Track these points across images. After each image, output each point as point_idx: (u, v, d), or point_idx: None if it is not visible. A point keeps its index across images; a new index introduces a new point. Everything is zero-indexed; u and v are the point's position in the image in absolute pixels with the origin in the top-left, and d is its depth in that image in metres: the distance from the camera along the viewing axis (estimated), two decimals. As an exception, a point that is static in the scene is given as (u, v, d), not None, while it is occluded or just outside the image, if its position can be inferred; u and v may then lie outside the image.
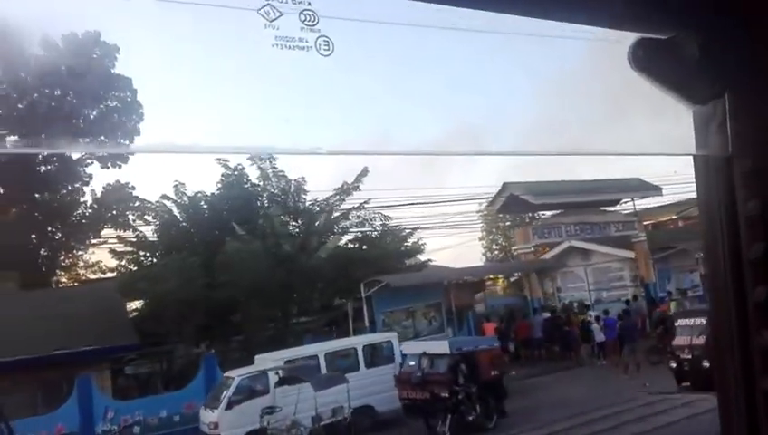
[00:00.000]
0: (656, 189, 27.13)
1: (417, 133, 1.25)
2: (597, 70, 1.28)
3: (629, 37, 1.15)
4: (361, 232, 27.06)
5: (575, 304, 28.93)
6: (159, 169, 56.21)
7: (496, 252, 40.32)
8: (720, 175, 1.17)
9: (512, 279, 29.86)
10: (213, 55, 1.07)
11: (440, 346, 14.23)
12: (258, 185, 25.62)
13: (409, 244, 26.68)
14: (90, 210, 29.15)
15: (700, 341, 13.87)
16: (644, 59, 1.14)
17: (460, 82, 1.25)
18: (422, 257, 26.99)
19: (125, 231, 27.02)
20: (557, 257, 33.13)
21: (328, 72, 1.00)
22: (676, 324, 16.04)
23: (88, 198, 29.37)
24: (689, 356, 14.20)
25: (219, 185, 24.91)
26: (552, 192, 24.53)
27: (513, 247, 24.80)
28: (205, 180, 44.31)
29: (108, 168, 28.91)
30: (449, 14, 1.02)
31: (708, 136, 1.18)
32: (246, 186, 25.27)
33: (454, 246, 58.12)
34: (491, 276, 29.06)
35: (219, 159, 24.58)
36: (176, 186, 24.27)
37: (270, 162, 25.24)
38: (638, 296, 26.22)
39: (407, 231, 26.08)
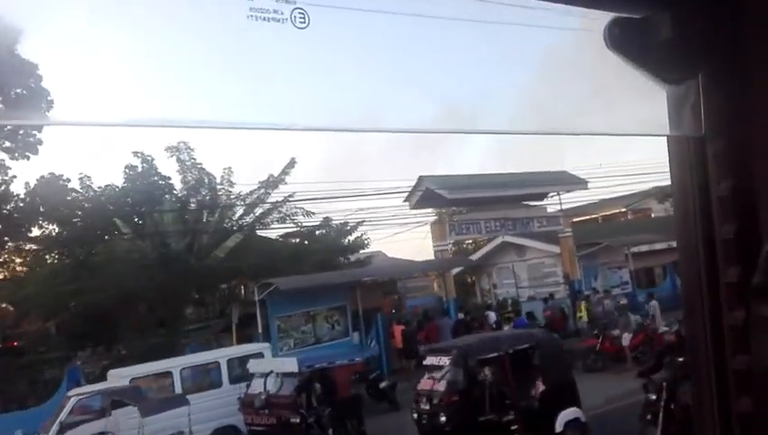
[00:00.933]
0: (582, 183, 25.85)
1: (395, 111, 1.22)
2: (577, 51, 1.27)
3: (607, 17, 1.13)
4: (282, 228, 25.51)
5: (509, 302, 27.86)
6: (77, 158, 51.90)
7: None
8: (694, 156, 1.19)
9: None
10: (182, 25, 0.99)
11: (289, 364, 12.32)
12: (168, 178, 23.77)
13: (351, 238, 25.46)
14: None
15: (441, 387, 10.52)
16: (619, 38, 1.13)
17: (443, 61, 1.22)
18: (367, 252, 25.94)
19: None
20: (490, 254, 32.18)
21: (303, 46, 0.99)
22: (424, 362, 11.98)
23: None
24: (428, 407, 10.60)
25: (124, 178, 23.00)
26: (469, 186, 23.00)
27: (434, 245, 23.23)
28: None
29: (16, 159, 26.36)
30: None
31: (682, 116, 1.20)
32: (155, 178, 23.38)
33: (404, 241, 56.45)
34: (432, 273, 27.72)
35: (136, 152, 22.77)
36: (81, 178, 22.21)
37: (188, 153, 23.45)
38: (554, 295, 25.23)
39: (348, 226, 24.82)
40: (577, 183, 25.89)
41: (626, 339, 18.38)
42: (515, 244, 28.11)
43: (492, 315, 22.94)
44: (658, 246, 28.89)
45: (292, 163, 24.21)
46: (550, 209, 26.29)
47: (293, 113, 1.05)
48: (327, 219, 24.82)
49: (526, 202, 25.71)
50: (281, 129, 1.13)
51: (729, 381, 1.13)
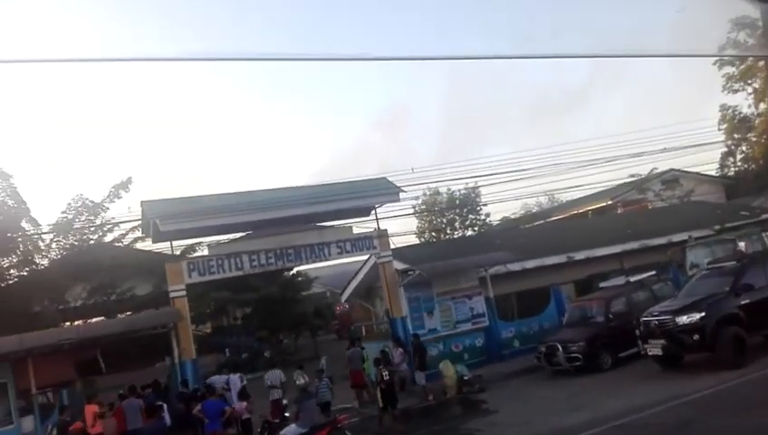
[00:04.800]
0: (395, 193, 19.53)
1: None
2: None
3: None
4: None
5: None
6: None
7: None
8: None
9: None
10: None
11: None
12: None
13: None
14: None
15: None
16: None
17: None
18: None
19: None
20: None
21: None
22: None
23: None
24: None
25: None
26: (203, 211, 16.92)
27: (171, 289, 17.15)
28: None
29: None
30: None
31: None
32: None
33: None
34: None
35: None
36: None
37: None
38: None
39: None
40: (391, 193, 19.53)
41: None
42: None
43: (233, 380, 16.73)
44: (530, 264, 22.28)
45: None
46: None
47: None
48: None
49: (321, 223, 19.44)
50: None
51: None
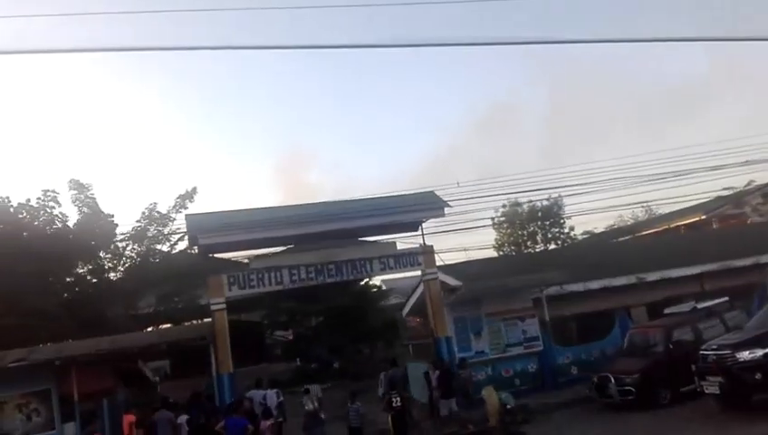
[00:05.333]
0: (440, 207, 18.76)
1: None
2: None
3: None
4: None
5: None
6: None
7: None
8: None
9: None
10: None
11: None
12: None
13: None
14: None
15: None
16: None
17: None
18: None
19: None
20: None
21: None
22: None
23: None
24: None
25: None
26: (241, 226, 16.87)
27: (206, 302, 17.33)
28: None
29: None
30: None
31: None
32: None
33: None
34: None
35: None
36: None
37: None
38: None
39: None
40: (433, 208, 18.80)
41: None
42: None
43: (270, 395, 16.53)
44: (595, 285, 20.79)
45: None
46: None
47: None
48: None
49: (363, 238, 19.03)
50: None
51: None
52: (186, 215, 17.58)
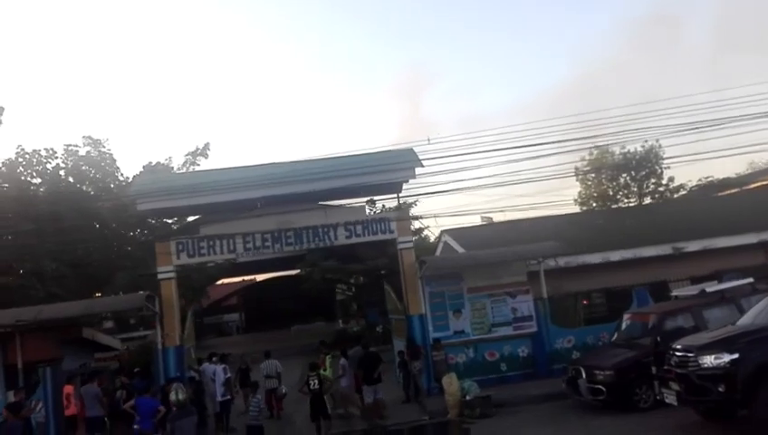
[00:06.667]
0: (410, 169, 16.43)
1: None
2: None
3: None
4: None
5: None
6: None
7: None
8: None
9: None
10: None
11: None
12: None
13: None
14: None
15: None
16: None
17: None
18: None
19: None
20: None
21: None
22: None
23: None
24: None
25: None
26: (185, 189, 15.55)
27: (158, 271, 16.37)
28: None
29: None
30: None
31: None
32: None
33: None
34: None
35: None
36: None
37: None
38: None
39: None
40: (404, 169, 16.55)
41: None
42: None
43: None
44: (615, 257, 17.87)
45: None
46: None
47: None
48: None
49: (324, 202, 17.22)
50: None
51: None
52: (134, 176, 16.59)
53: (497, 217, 25.90)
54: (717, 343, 9.70)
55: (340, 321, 43.33)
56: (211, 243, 16.39)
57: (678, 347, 10.24)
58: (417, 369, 16.05)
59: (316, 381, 13.03)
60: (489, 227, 23.45)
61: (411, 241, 16.88)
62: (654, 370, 10.79)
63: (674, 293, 14.66)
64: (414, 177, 16.43)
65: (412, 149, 16.93)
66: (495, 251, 16.72)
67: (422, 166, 16.27)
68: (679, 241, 19.08)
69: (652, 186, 37.43)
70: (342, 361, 15.43)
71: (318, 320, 48.82)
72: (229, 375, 15.99)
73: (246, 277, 56.73)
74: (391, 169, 16.59)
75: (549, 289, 17.09)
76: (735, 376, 9.09)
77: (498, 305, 16.82)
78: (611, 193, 38.41)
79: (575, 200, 39.00)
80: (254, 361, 18.48)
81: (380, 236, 16.83)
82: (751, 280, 13.67)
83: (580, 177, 37.83)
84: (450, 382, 14.59)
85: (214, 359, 16.65)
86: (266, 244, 16.50)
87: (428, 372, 16.10)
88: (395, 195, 17.90)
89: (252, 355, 19.15)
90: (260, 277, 57.70)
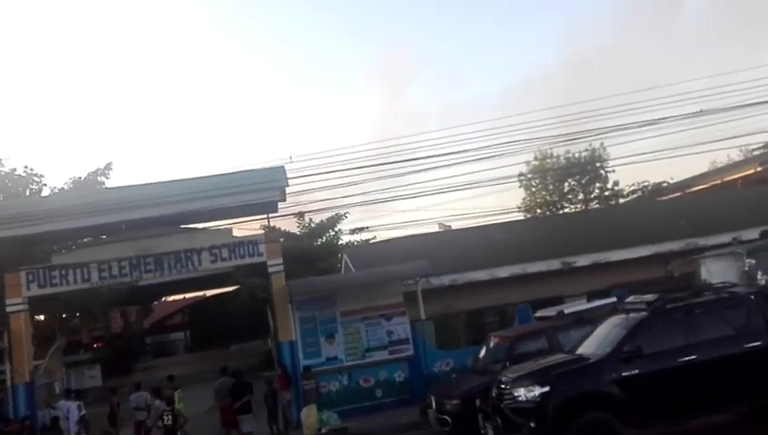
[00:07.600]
0: (276, 190, 15.67)
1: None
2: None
3: None
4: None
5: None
6: None
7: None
8: None
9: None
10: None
11: None
12: None
13: None
14: None
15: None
16: None
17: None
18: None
19: None
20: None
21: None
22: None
23: None
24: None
25: None
26: (31, 216, 14.56)
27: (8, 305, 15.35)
28: None
29: None
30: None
31: None
32: None
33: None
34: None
35: None
36: None
37: None
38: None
39: None
40: (272, 189, 15.77)
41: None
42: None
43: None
44: (503, 273, 17.38)
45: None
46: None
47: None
48: None
49: (187, 225, 16.37)
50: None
51: None
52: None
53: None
54: (530, 374, 9.09)
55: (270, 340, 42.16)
56: (63, 272, 15.39)
57: (502, 378, 9.61)
58: (287, 400, 15.26)
59: (170, 417, 12.34)
60: (389, 243, 22.74)
61: (280, 264, 16.04)
62: (477, 402, 10.13)
63: (537, 314, 14.08)
64: (284, 198, 15.70)
65: (283, 167, 16.17)
66: (365, 272, 16.06)
67: (288, 185, 15.55)
68: (570, 255, 18.59)
69: (597, 190, 37.20)
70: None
71: (256, 339, 47.63)
72: (84, 413, 15.02)
73: (188, 295, 55.21)
74: (259, 188, 15.79)
75: (436, 309, 16.45)
76: (546, 410, 8.47)
77: (373, 329, 16.08)
78: (555, 199, 37.91)
79: (518, 207, 38.50)
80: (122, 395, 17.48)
81: (248, 260, 16.01)
82: (614, 299, 13.12)
83: (524, 183, 37.42)
84: (308, 415, 13.80)
85: (72, 394, 15.68)
86: (123, 271, 15.55)
87: (298, 402, 15.25)
88: (265, 215, 17.07)
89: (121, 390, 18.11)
90: (209, 293, 56.11)
